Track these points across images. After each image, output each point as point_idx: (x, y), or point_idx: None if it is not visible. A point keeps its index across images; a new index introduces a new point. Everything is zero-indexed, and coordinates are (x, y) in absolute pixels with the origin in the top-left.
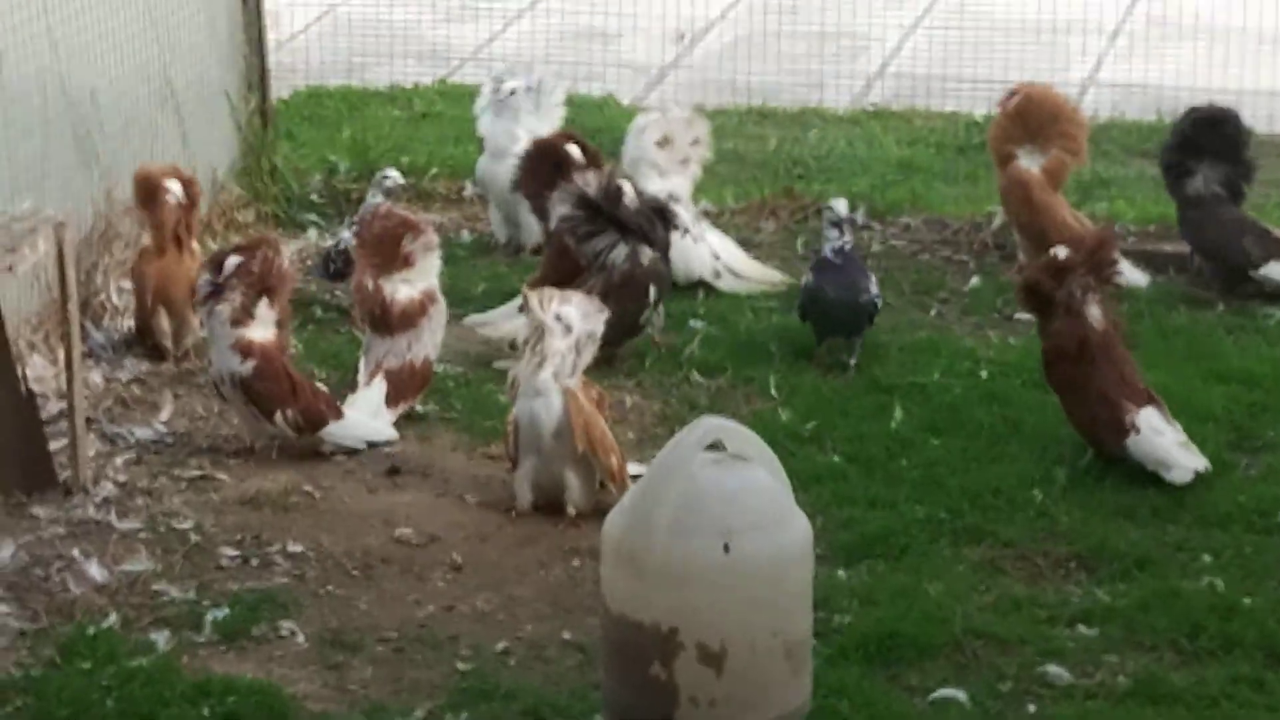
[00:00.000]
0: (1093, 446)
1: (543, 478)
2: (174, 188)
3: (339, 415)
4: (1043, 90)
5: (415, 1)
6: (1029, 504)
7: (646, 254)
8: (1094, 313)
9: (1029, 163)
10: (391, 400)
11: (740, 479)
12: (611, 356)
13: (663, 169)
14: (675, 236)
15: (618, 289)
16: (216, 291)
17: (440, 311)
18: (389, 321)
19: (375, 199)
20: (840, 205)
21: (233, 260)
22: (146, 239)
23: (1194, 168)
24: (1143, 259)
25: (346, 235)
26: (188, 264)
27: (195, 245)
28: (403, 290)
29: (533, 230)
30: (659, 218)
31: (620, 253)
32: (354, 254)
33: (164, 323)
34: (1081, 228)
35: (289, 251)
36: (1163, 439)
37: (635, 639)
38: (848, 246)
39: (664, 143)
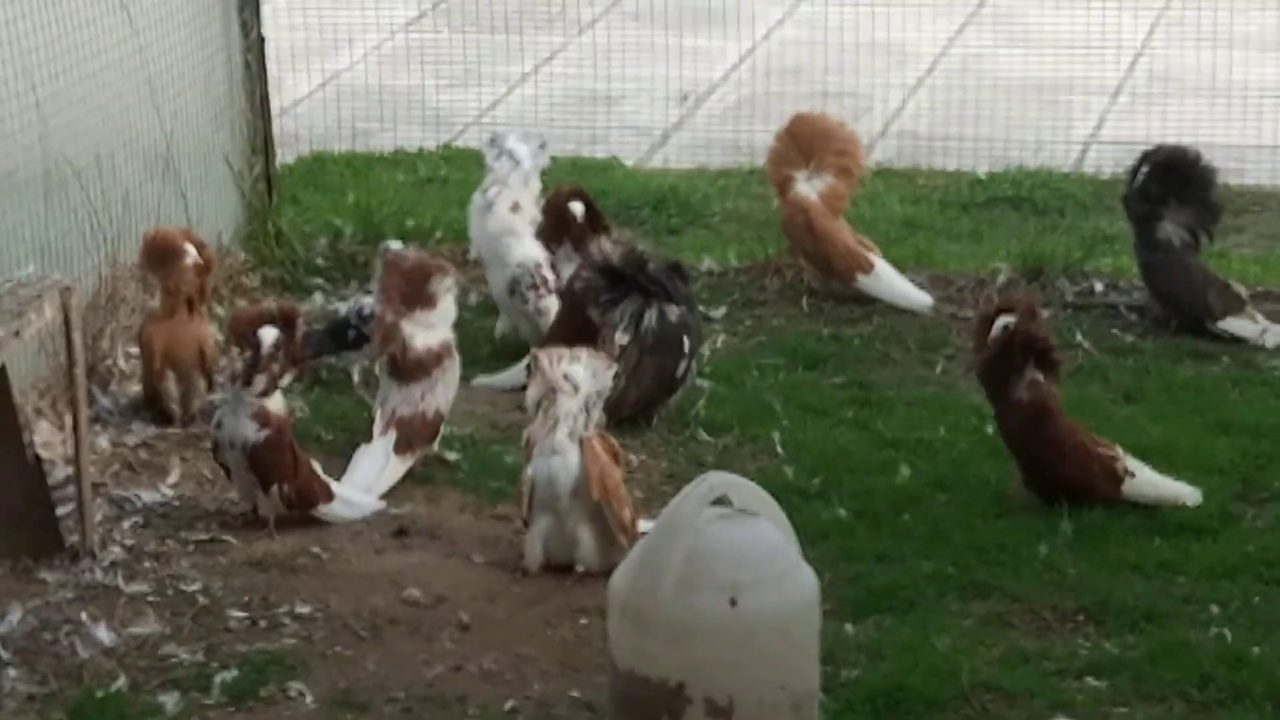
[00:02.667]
0: (1081, 500)
1: (555, 537)
2: (191, 251)
3: (329, 498)
4: (812, 115)
5: (418, 69)
6: (1035, 558)
7: (673, 310)
8: (1036, 375)
9: (807, 189)
10: (400, 448)
11: (746, 533)
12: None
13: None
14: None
15: (652, 349)
16: (254, 365)
17: (454, 365)
18: (405, 366)
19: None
20: None
21: (270, 333)
22: (154, 302)
23: (1161, 213)
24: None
25: (368, 301)
26: (196, 327)
27: (204, 310)
28: (420, 338)
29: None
30: (676, 275)
31: (649, 315)
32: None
33: (171, 386)
34: (863, 251)
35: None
36: (1154, 474)
37: (643, 694)
38: None
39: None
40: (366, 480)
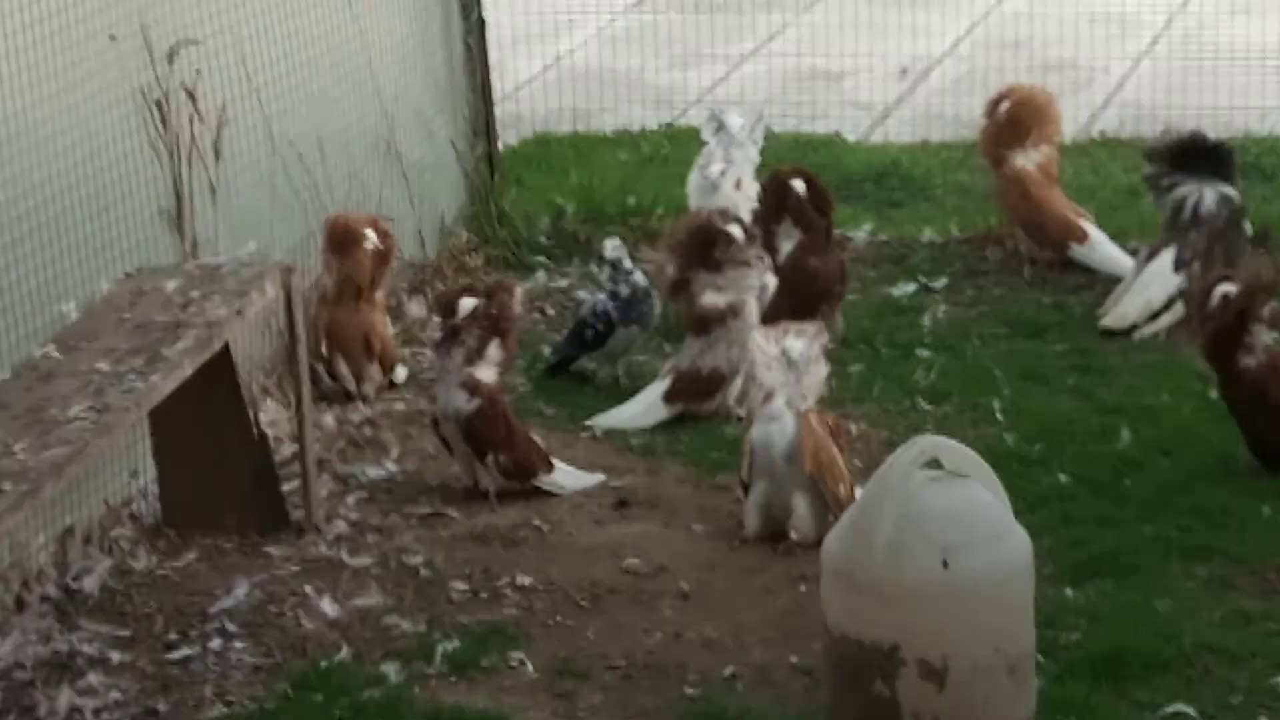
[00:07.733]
0: None
1: (773, 504)
2: (372, 238)
3: (549, 468)
4: (1027, 91)
5: (640, 50)
6: (1259, 520)
7: (1234, 194)
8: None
9: (1023, 160)
10: (667, 397)
11: (958, 495)
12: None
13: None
14: None
15: (1223, 236)
16: (453, 334)
17: (741, 327)
18: (690, 320)
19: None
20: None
21: (468, 302)
22: (326, 284)
23: None
24: None
25: (602, 298)
26: (363, 315)
27: (379, 296)
28: (709, 296)
29: None
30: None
31: (1210, 198)
32: (613, 310)
33: (342, 369)
34: (1078, 221)
35: (520, 294)
36: None
37: (857, 657)
38: None
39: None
40: (628, 413)
